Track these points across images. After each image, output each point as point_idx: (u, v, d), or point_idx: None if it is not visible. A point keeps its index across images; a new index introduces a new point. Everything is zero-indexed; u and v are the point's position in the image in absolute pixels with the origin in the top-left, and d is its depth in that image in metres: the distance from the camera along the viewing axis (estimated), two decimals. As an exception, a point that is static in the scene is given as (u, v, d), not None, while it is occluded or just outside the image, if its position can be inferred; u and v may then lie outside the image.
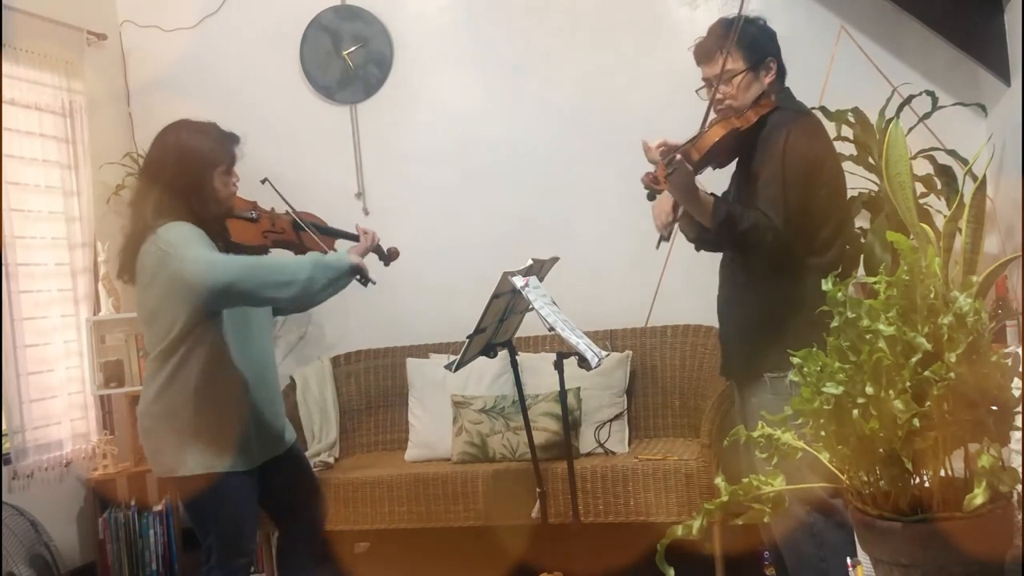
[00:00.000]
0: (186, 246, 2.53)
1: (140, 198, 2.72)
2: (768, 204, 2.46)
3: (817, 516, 2.50)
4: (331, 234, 3.09)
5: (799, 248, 2.51)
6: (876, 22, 4.05)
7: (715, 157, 2.63)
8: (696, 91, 2.70)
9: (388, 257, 3.17)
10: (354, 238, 3.07)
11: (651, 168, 2.46)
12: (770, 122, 2.56)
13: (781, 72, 2.66)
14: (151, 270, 2.59)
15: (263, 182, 2.97)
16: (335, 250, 2.96)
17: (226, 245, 2.74)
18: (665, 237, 2.73)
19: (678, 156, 2.40)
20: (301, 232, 2.96)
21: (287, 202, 2.98)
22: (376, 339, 4.53)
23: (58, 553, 3.87)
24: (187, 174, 2.65)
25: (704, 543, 3.62)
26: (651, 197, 2.48)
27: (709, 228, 2.54)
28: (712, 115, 2.69)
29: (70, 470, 4.22)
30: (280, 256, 2.66)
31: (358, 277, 2.70)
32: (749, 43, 2.58)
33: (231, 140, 2.77)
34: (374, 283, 2.77)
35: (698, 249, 2.83)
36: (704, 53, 2.64)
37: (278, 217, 2.97)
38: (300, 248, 2.95)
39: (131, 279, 2.68)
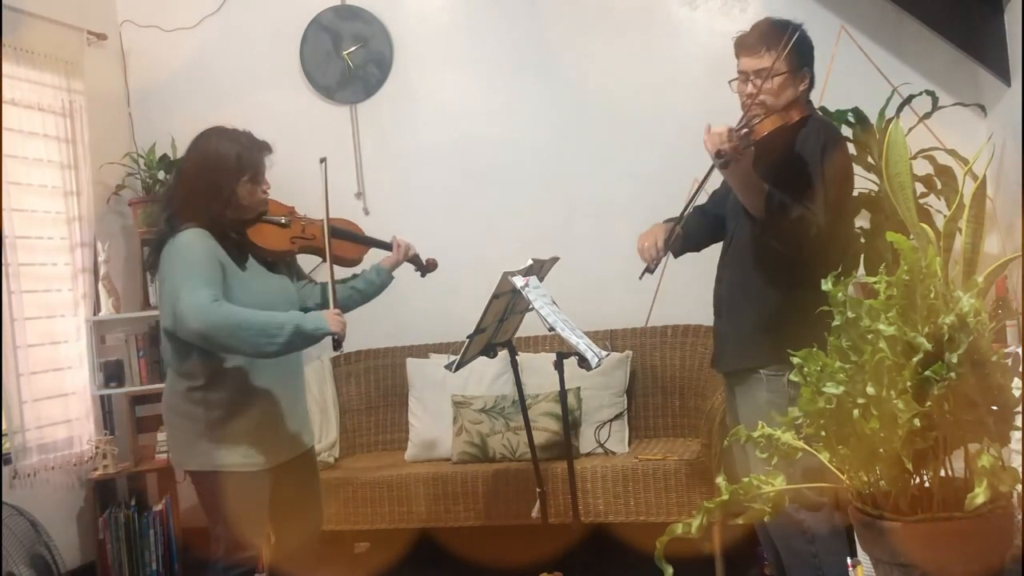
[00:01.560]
0: (185, 274, 2.59)
1: (167, 199, 2.85)
2: (811, 201, 2.50)
3: (806, 513, 2.55)
4: (364, 242, 3.12)
5: (823, 248, 2.53)
6: (876, 22, 4.05)
7: (760, 148, 2.63)
8: (729, 82, 2.72)
9: (426, 268, 3.22)
10: (387, 247, 3.14)
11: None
12: (807, 127, 2.62)
13: (811, 85, 2.71)
14: (164, 275, 2.68)
15: (322, 161, 3.00)
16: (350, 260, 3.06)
17: (240, 250, 2.78)
18: (651, 269, 2.77)
19: (744, 131, 2.46)
20: (332, 240, 2.94)
21: (327, 203, 2.97)
22: (376, 339, 4.52)
23: (58, 553, 3.87)
24: (210, 179, 2.71)
25: (704, 543, 3.62)
26: (724, 165, 2.44)
27: (756, 215, 2.53)
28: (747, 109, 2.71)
29: (70, 470, 4.22)
30: (267, 314, 2.61)
31: (334, 337, 2.69)
32: (797, 48, 2.62)
33: (261, 149, 2.81)
34: (340, 349, 2.78)
35: (677, 255, 2.92)
36: (749, 45, 2.66)
37: (310, 223, 2.98)
38: (329, 257, 2.92)
39: (155, 273, 2.78)
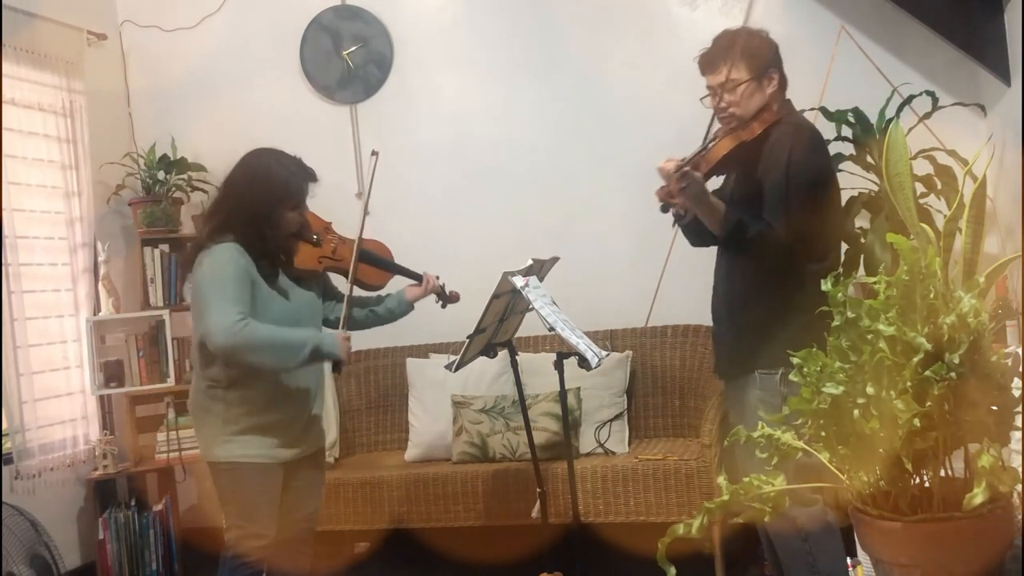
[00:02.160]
0: (215, 291, 2.69)
1: (211, 211, 2.92)
2: (772, 214, 2.52)
3: (800, 510, 2.57)
4: (392, 270, 3.20)
5: (800, 255, 2.58)
6: (876, 22, 4.05)
7: (722, 168, 2.71)
8: (700, 99, 2.74)
9: (448, 299, 3.27)
10: (415, 277, 3.21)
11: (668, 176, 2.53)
12: (774, 134, 2.62)
13: (783, 83, 2.71)
14: (196, 282, 2.77)
15: (373, 154, 3.13)
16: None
17: (272, 267, 2.86)
18: (682, 216, 2.68)
19: (687, 168, 2.49)
20: (360, 263, 3.03)
21: (362, 225, 3.06)
22: (376, 339, 4.51)
23: (58, 553, 3.87)
24: (255, 201, 2.79)
25: (704, 543, 3.62)
26: (665, 209, 2.56)
27: (716, 234, 2.61)
28: (716, 124, 2.73)
29: (70, 470, 4.22)
30: (287, 332, 2.75)
31: (339, 362, 2.84)
32: (753, 54, 2.64)
33: (308, 178, 2.88)
34: (339, 371, 2.94)
35: (695, 244, 2.92)
36: (708, 62, 2.70)
37: (341, 244, 3.06)
38: (353, 280, 3.02)
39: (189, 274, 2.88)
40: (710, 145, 2.64)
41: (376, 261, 3.15)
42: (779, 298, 2.59)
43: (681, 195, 2.49)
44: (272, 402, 2.83)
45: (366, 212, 3.14)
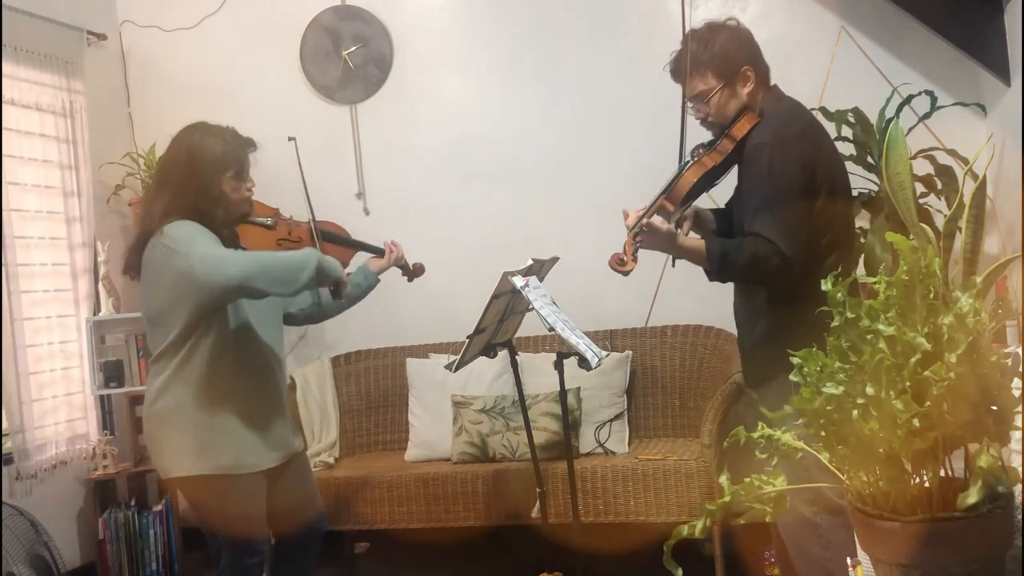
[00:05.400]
0: (192, 243, 2.52)
1: (151, 196, 2.76)
2: (767, 228, 2.36)
3: (824, 516, 2.49)
4: (352, 246, 3.09)
5: (806, 258, 2.42)
6: (876, 22, 4.05)
7: (696, 196, 2.56)
8: (688, 111, 2.61)
9: (412, 273, 3.19)
10: (377, 251, 3.11)
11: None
12: (751, 140, 2.45)
13: (761, 76, 2.54)
14: (156, 268, 2.60)
15: (291, 140, 2.96)
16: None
17: (232, 247, 2.70)
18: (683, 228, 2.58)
19: (643, 222, 2.39)
20: (319, 243, 2.92)
21: (310, 204, 2.97)
22: (376, 339, 4.53)
23: (58, 553, 3.87)
24: (196, 176, 2.65)
25: (705, 543, 3.62)
26: (625, 273, 2.44)
27: (707, 271, 2.47)
28: (704, 131, 2.65)
29: (70, 470, 4.23)
30: (286, 254, 2.59)
31: (337, 286, 2.68)
32: (718, 58, 2.46)
33: (245, 146, 2.76)
34: (340, 299, 2.78)
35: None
36: (676, 72, 2.54)
37: (296, 225, 2.95)
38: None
39: (137, 276, 2.69)
40: (678, 179, 2.49)
41: (336, 239, 3.05)
42: (794, 299, 2.45)
43: (634, 260, 2.38)
44: (244, 399, 2.66)
45: (307, 193, 3.01)
